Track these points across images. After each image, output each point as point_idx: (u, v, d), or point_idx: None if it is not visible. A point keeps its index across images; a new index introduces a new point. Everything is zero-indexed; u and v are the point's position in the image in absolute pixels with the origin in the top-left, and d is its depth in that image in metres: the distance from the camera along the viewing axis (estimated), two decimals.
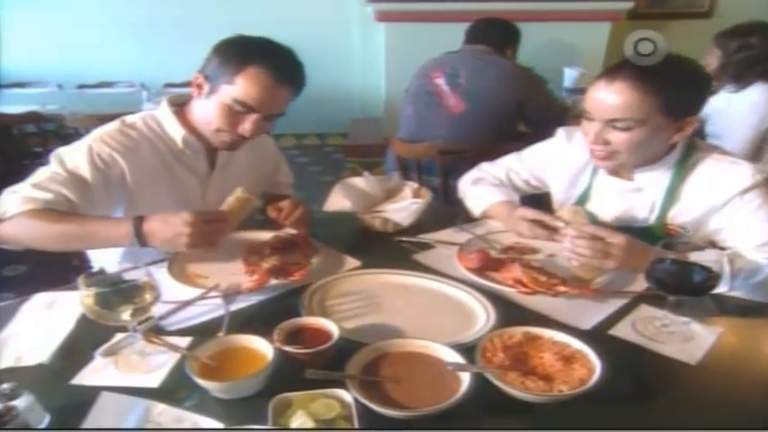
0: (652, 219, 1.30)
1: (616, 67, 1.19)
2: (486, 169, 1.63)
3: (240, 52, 1.27)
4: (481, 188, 1.56)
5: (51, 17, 4.90)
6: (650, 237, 1.20)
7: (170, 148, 1.36)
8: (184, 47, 5.09)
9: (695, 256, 0.99)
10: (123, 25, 5.02)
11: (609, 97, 1.17)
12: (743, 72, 2.27)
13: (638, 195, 1.31)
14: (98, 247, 1.25)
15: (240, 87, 1.24)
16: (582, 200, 1.44)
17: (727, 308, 1.10)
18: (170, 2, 5.03)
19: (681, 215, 1.27)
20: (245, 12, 5.13)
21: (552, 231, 1.30)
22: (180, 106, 1.40)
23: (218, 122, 1.29)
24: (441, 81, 2.43)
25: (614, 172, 1.35)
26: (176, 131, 1.35)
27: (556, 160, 1.50)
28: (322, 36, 5.18)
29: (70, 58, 4.91)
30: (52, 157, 1.24)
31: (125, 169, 1.28)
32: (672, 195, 1.27)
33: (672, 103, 1.15)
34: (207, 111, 1.30)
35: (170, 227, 1.08)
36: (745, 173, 1.20)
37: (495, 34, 2.53)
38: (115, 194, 1.28)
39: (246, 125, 1.28)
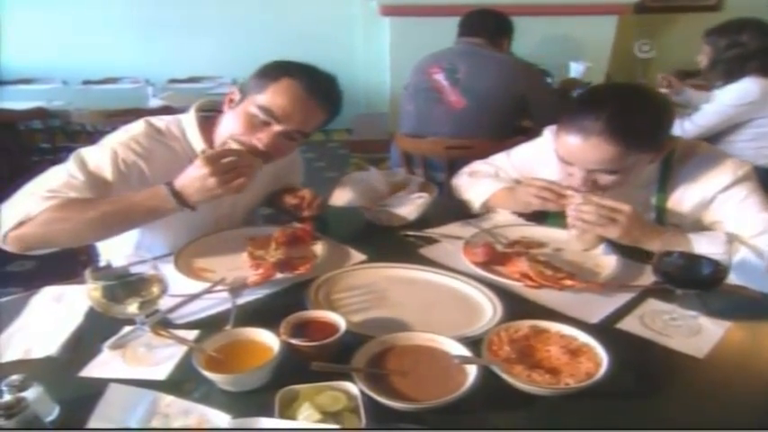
0: (651, 215, 1.30)
1: (586, 120, 1.14)
2: (478, 166, 1.64)
3: (279, 66, 1.27)
4: (480, 180, 1.57)
5: (56, 13, 4.91)
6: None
7: (189, 158, 1.31)
8: (189, 43, 5.16)
9: (695, 238, 0.99)
10: (128, 21, 5.03)
11: (587, 153, 1.15)
12: (734, 69, 2.30)
13: (625, 199, 1.29)
14: (139, 222, 1.20)
15: (268, 95, 1.23)
16: None
17: (736, 302, 1.10)
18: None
19: (677, 209, 1.28)
20: (250, 8, 5.13)
21: (561, 197, 1.27)
22: (209, 112, 1.38)
23: (236, 129, 1.25)
24: (440, 77, 2.42)
25: None
26: (197, 143, 1.33)
27: (543, 160, 1.46)
28: (326, 31, 5.18)
29: (75, 55, 4.93)
30: (72, 158, 1.22)
31: (146, 175, 1.26)
32: (665, 189, 1.28)
33: (646, 142, 1.16)
34: (230, 121, 1.28)
35: (192, 177, 1.09)
36: (726, 170, 1.21)
37: (489, 26, 2.51)
38: None
39: (262, 134, 1.23)
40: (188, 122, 1.35)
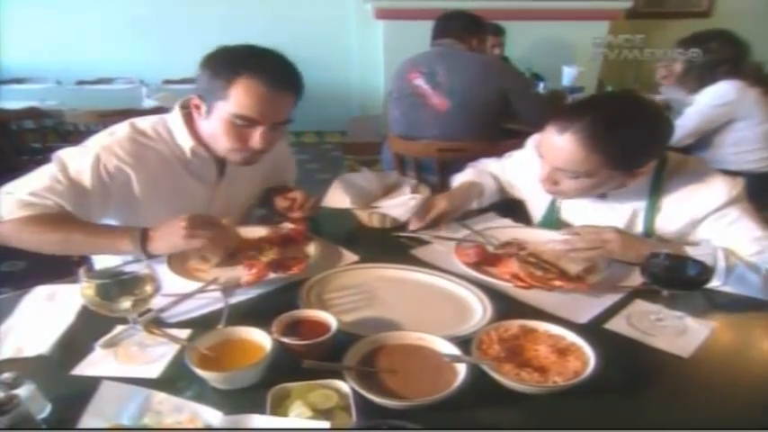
0: (639, 231, 1.30)
1: (569, 117, 1.16)
2: (486, 161, 1.68)
3: (227, 65, 1.21)
4: (465, 172, 1.63)
5: (50, 13, 4.90)
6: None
7: (178, 157, 1.33)
8: (184, 43, 5.10)
9: (691, 250, 1.01)
10: (122, 21, 5.02)
11: (556, 147, 1.17)
12: (706, 74, 2.47)
13: (612, 211, 1.31)
14: (101, 254, 1.27)
15: (234, 101, 1.20)
16: (552, 210, 1.44)
17: (721, 303, 1.12)
18: None
19: (665, 225, 1.26)
20: (244, 9, 5.12)
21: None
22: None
23: (227, 141, 1.25)
24: (420, 82, 2.44)
25: None
26: (185, 141, 1.32)
27: (526, 169, 1.47)
28: (321, 34, 5.19)
29: (69, 54, 4.91)
30: (54, 160, 1.22)
31: (132, 180, 1.26)
32: (654, 207, 1.27)
33: (620, 160, 1.16)
34: (212, 131, 1.27)
35: (170, 227, 1.11)
36: (719, 190, 1.19)
37: (457, 26, 2.53)
38: (114, 205, 1.27)
39: (255, 138, 1.24)
40: (174, 122, 1.34)
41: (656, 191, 1.26)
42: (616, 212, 1.30)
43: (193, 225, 1.10)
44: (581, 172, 1.17)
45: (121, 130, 1.30)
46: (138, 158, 1.27)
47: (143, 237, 1.11)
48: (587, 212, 1.35)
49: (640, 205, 1.28)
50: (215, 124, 1.25)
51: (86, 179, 1.21)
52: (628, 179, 1.21)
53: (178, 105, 1.36)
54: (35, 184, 1.17)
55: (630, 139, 1.14)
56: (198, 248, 1.14)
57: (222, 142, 1.27)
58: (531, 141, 1.51)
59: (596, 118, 1.13)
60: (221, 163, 1.40)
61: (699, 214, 1.21)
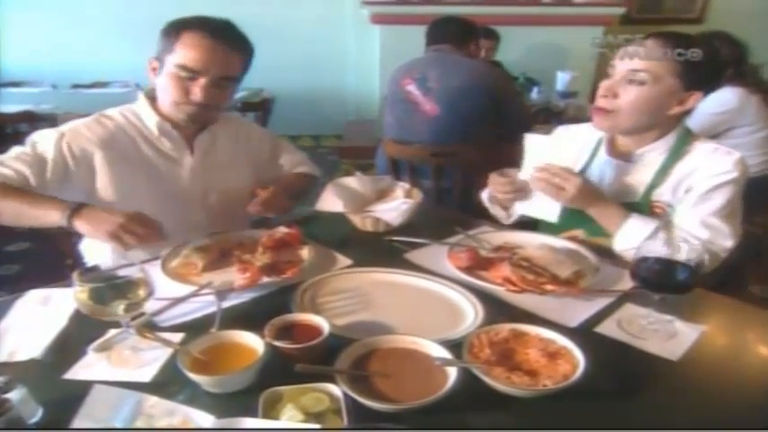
0: (639, 196, 1.35)
1: (655, 32, 1.28)
2: None
3: (176, 24, 1.33)
4: None
5: (47, 17, 4.89)
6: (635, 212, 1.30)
7: (147, 139, 1.40)
8: None
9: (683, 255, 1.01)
10: (118, 25, 5.01)
11: (637, 49, 1.26)
12: None
13: (634, 175, 1.36)
14: (38, 225, 1.24)
15: (179, 52, 1.29)
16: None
17: (711, 307, 1.13)
18: (166, 1, 5.03)
19: (665, 194, 1.32)
20: (241, 12, 5.10)
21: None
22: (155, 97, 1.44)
23: (171, 94, 1.32)
24: (412, 88, 2.45)
25: (614, 150, 1.41)
26: (150, 118, 1.39)
27: (556, 152, 1.53)
28: (318, 38, 5.20)
29: (65, 58, 4.90)
30: (27, 140, 1.30)
31: (102, 160, 1.33)
32: (662, 175, 1.32)
33: (689, 68, 1.23)
34: (161, 86, 1.35)
35: (105, 213, 1.13)
36: (731, 164, 1.26)
37: (455, 32, 2.53)
38: (75, 186, 1.31)
39: (195, 89, 1.31)
40: (139, 104, 1.42)
41: (671, 160, 1.32)
42: (638, 175, 1.35)
43: (130, 223, 1.11)
44: (652, 73, 1.23)
45: (90, 117, 1.39)
46: (104, 140, 1.34)
47: (74, 210, 1.13)
48: (609, 181, 1.39)
49: (651, 172, 1.33)
50: (163, 79, 1.33)
51: (49, 152, 1.28)
52: (677, 105, 1.27)
53: (143, 93, 1.43)
54: (3, 156, 1.26)
55: (703, 53, 1.23)
56: (124, 244, 1.12)
57: (167, 96, 1.34)
58: (560, 130, 1.58)
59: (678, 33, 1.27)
60: (190, 143, 1.45)
61: (696, 179, 1.27)
